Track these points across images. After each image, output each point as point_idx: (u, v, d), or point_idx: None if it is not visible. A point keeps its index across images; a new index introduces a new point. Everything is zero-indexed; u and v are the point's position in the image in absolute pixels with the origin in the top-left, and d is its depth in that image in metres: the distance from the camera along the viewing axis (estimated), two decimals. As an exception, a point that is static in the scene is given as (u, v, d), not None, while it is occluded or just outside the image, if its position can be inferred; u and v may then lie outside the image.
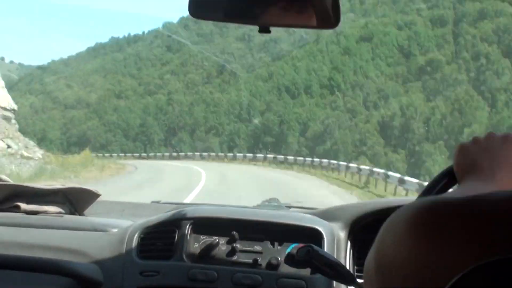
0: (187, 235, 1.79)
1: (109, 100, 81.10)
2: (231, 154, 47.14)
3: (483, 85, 55.71)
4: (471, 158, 0.92)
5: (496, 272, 0.43)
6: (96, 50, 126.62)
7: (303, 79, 68.32)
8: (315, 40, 74.29)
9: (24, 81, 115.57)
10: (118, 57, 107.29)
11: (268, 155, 40.75)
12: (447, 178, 1.04)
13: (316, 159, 32.85)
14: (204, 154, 47.51)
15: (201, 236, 1.81)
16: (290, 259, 1.69)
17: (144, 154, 54.83)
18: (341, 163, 28.62)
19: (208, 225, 1.83)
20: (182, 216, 1.83)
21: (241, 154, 45.09)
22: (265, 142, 59.51)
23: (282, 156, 38.07)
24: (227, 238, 1.80)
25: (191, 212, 1.86)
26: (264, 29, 1.39)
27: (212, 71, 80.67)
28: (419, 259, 0.52)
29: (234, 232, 1.78)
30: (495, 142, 0.93)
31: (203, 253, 1.77)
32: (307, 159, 34.51)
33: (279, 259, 1.74)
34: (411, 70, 63.74)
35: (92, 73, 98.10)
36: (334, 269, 1.42)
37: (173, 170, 28.71)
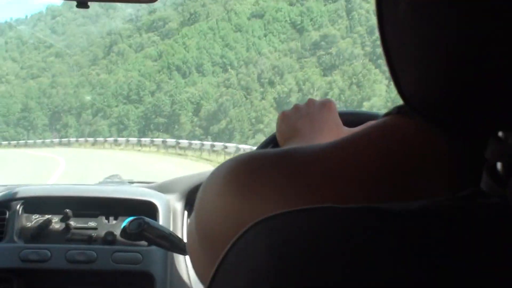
0: (18, 215, 1.75)
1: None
2: (112, 138, 40.61)
3: (380, 59, 56.17)
4: (292, 124, 0.93)
5: (276, 225, 0.40)
6: None
7: (194, 57, 66.44)
8: (204, 18, 72.47)
9: None
10: None
11: (156, 139, 35.25)
12: (271, 145, 1.04)
13: (218, 143, 28.20)
14: (81, 139, 42.75)
15: (33, 216, 1.78)
16: (124, 233, 1.65)
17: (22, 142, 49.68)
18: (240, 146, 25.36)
19: (40, 204, 1.80)
20: (12, 196, 1.79)
21: (123, 139, 38.34)
22: (156, 123, 57.12)
23: (174, 140, 32.52)
24: (60, 216, 1.78)
25: (22, 192, 1.81)
26: (82, 4, 1.37)
27: (98, 52, 77.00)
28: (238, 214, 0.50)
29: (67, 210, 1.77)
30: (315, 107, 0.94)
31: (36, 232, 1.74)
32: (204, 143, 29.13)
33: (115, 234, 1.75)
34: (305, 45, 63.16)
35: None
36: (167, 240, 1.49)
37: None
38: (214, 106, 55.35)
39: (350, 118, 0.98)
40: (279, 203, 0.48)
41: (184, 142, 30.85)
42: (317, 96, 51.92)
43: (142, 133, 48.39)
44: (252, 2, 73.03)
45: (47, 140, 45.05)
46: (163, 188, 1.99)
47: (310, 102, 0.97)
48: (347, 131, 0.91)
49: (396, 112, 0.49)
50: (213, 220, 0.53)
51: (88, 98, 62.94)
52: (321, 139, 0.86)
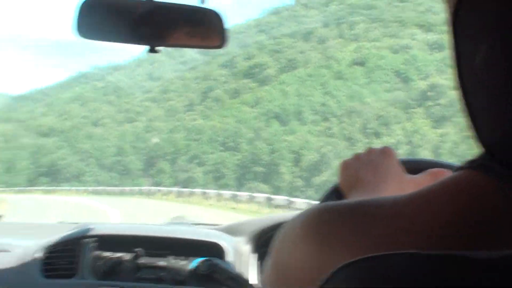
0: (90, 253, 1.79)
1: (84, 128, 76.51)
2: (200, 190, 35.70)
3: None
4: (354, 173, 0.93)
5: (362, 269, 0.44)
6: (77, 79, 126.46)
7: (293, 104, 64.08)
8: (303, 65, 70.37)
9: (5, 110, 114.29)
10: (98, 85, 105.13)
11: (257, 195, 29.58)
12: (334, 195, 1.03)
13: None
14: (163, 189, 39.49)
15: (104, 253, 1.81)
16: (194, 274, 1.73)
17: (112, 188, 46.01)
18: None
19: (112, 242, 1.83)
20: (85, 233, 1.83)
21: (214, 191, 33.58)
22: (254, 172, 54.50)
23: (284, 198, 26.40)
24: (131, 255, 1.81)
25: (94, 230, 1.86)
26: (152, 50, 1.48)
27: (194, 98, 76.37)
28: (313, 262, 0.53)
29: (138, 249, 1.81)
30: (375, 155, 0.95)
31: (107, 270, 1.77)
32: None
33: (183, 273, 1.77)
34: (412, 95, 59.50)
35: (70, 102, 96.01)
36: (235, 282, 1.53)
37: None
38: (316, 156, 52.46)
39: (411, 166, 0.99)
40: (356, 251, 0.49)
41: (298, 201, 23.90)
42: (426, 150, 48.04)
43: (238, 181, 45.97)
44: (352, 49, 70.55)
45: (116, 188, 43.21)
46: (230, 230, 2.01)
47: (370, 150, 0.97)
48: (409, 179, 0.93)
49: (469, 166, 0.49)
50: (291, 266, 0.56)
51: (156, 140, 61.65)
52: (385, 187, 0.87)
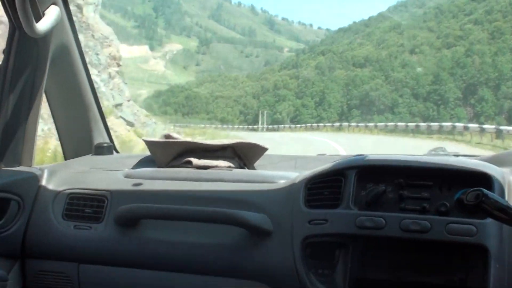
0: (353, 184, 1.81)
1: (400, 56, 73.95)
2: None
3: None
4: None
5: None
6: (396, 8, 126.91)
7: None
8: None
9: (324, 43, 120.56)
10: (417, 12, 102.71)
11: None
12: None
13: None
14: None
15: (367, 184, 1.81)
16: (459, 205, 1.69)
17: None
18: None
19: (374, 173, 1.83)
20: (348, 165, 1.84)
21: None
22: None
23: None
24: (393, 186, 1.80)
25: (356, 161, 1.86)
26: None
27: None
28: None
29: (401, 180, 1.79)
30: None
31: (370, 200, 1.77)
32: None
33: (448, 205, 1.72)
34: None
35: (388, 31, 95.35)
36: (506, 213, 1.46)
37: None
38: None
39: None
40: None
41: None
42: None
43: None
44: None
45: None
46: (495, 160, 1.94)
47: None
48: None
49: None
50: None
51: (419, 69, 54.56)
52: None
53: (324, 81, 73.23)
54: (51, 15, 1.91)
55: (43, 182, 2.09)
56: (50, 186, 2.08)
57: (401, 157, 1.92)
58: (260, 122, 69.16)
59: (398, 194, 1.79)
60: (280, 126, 60.68)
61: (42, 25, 1.81)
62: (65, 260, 1.99)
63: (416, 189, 1.78)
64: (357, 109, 57.56)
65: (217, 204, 1.91)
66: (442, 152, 2.34)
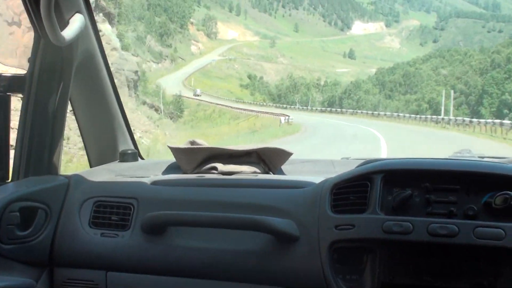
0: (380, 188, 1.80)
1: None
2: None
3: None
4: None
5: None
6: None
7: None
8: None
9: None
10: None
11: None
12: None
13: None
14: None
15: (394, 189, 1.81)
16: (487, 208, 1.69)
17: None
18: None
19: (400, 177, 1.83)
20: (373, 169, 1.84)
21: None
22: None
23: None
24: (419, 190, 1.79)
25: (382, 165, 1.86)
26: None
27: None
28: None
29: (427, 183, 1.78)
30: None
31: (397, 205, 1.77)
32: None
33: (475, 208, 1.72)
34: None
35: None
36: None
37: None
38: None
39: None
40: None
41: None
42: None
43: None
44: None
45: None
46: None
47: None
48: None
49: None
50: None
51: None
52: None
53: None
54: (76, 23, 1.91)
55: (70, 190, 2.10)
56: (77, 194, 2.09)
57: (426, 160, 1.92)
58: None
59: (424, 198, 1.78)
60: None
61: (67, 33, 1.81)
62: (92, 268, 2.00)
63: (442, 193, 1.77)
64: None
65: (243, 210, 1.92)
66: (467, 154, 2.33)
